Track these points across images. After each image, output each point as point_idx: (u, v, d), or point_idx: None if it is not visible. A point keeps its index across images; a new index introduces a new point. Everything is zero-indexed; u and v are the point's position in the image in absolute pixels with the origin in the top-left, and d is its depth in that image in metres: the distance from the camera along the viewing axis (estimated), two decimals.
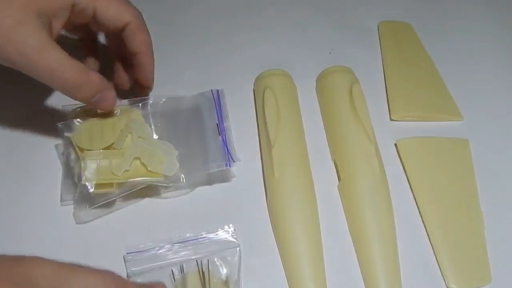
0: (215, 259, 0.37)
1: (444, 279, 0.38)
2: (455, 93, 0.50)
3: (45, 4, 0.34)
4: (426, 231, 0.41)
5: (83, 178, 0.38)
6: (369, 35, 0.55)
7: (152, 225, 0.40)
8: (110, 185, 0.39)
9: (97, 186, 0.38)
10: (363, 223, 0.40)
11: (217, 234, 0.39)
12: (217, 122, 0.44)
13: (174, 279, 0.36)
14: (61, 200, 0.41)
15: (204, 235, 0.39)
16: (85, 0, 0.36)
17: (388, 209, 0.41)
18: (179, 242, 0.38)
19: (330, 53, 0.53)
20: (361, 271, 0.39)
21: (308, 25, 0.56)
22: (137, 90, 0.45)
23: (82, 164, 0.38)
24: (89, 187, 0.38)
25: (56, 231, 0.40)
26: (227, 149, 0.42)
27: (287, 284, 0.38)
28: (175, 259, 0.37)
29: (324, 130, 0.47)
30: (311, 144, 0.45)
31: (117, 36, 0.40)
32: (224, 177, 0.43)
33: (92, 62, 0.45)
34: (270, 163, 0.42)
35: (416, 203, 0.42)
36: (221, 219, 0.40)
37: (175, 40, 0.54)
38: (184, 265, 0.37)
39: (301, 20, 0.57)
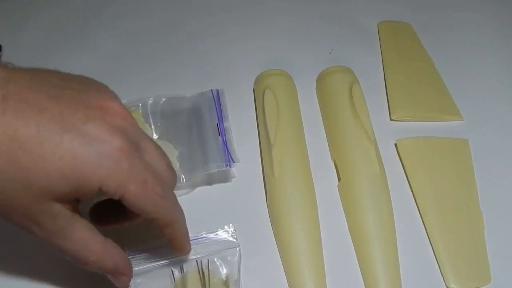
0: (215, 259, 0.37)
1: (443, 279, 0.38)
2: (455, 93, 0.50)
3: (65, 197, 0.28)
4: (426, 231, 0.41)
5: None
6: (369, 35, 0.55)
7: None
8: None
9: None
10: (363, 223, 0.40)
11: (217, 234, 0.39)
12: (217, 122, 0.44)
13: (174, 279, 0.36)
14: None
15: (204, 235, 0.39)
16: (112, 189, 0.28)
17: (388, 209, 0.41)
18: None
19: (330, 53, 0.54)
20: (361, 271, 0.39)
21: (308, 25, 0.56)
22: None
23: None
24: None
25: None
26: (227, 150, 0.42)
27: (287, 284, 0.38)
28: (175, 259, 0.37)
29: (324, 130, 0.47)
30: (311, 144, 0.45)
31: None
32: (224, 177, 0.43)
33: None
34: (270, 163, 0.42)
35: (416, 203, 0.42)
36: (221, 219, 0.40)
37: (175, 40, 0.54)
38: (184, 265, 0.37)
39: (301, 20, 0.57)
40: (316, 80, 0.50)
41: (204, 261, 0.37)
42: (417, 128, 0.47)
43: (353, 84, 0.46)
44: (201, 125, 0.44)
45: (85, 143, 0.27)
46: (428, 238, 0.40)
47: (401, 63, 0.52)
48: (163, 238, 0.33)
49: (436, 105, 0.49)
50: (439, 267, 0.39)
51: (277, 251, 0.39)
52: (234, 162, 0.41)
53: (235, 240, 0.38)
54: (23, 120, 0.25)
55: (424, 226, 0.41)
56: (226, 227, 0.39)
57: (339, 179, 0.43)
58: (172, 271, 0.36)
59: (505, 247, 0.40)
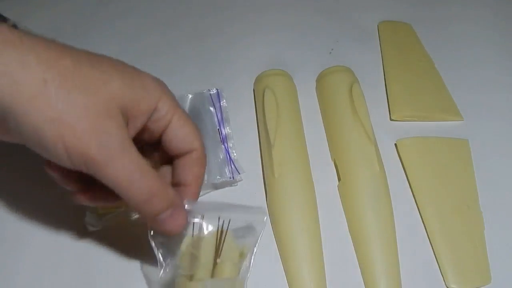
0: (239, 222, 0.35)
1: (444, 279, 0.38)
2: (455, 93, 0.50)
3: (130, 103, 0.30)
4: (426, 231, 0.41)
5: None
6: (369, 35, 0.55)
7: None
8: (118, 203, 0.39)
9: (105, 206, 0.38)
10: (363, 223, 0.40)
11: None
12: (218, 127, 0.44)
13: (193, 233, 0.34)
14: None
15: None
16: (167, 107, 0.32)
17: (388, 209, 0.41)
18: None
19: (330, 53, 0.54)
20: (361, 271, 0.39)
21: (308, 25, 0.56)
22: None
23: None
24: (96, 208, 0.38)
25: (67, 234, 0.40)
26: (232, 161, 0.42)
27: (287, 284, 0.38)
28: (198, 209, 0.34)
29: (324, 130, 0.47)
30: (311, 144, 0.45)
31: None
32: (226, 183, 0.43)
33: None
34: (270, 163, 0.42)
35: (416, 203, 0.42)
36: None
37: (174, 40, 0.54)
38: (205, 220, 0.34)
39: (301, 20, 0.57)
40: (316, 80, 0.50)
41: (227, 220, 0.34)
42: (417, 128, 0.47)
43: (353, 84, 0.46)
44: (201, 127, 0.44)
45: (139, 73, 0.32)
46: (428, 238, 0.40)
47: (401, 63, 0.52)
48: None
49: (436, 105, 0.49)
50: (439, 267, 0.39)
51: (277, 251, 0.39)
52: (239, 174, 0.42)
53: (264, 210, 0.36)
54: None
55: (424, 226, 0.41)
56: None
57: (339, 179, 0.43)
58: (193, 224, 0.34)
59: (505, 247, 0.40)
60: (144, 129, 0.32)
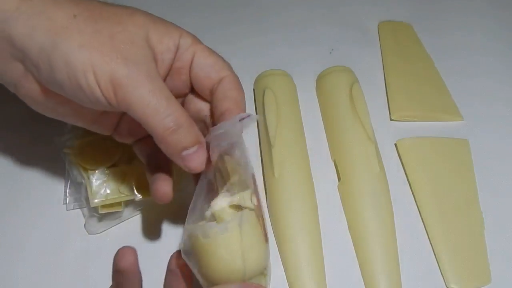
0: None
1: (444, 279, 0.38)
2: (455, 93, 0.50)
3: (154, 36, 0.31)
4: (426, 231, 0.41)
5: (90, 202, 0.37)
6: (369, 35, 0.55)
7: (163, 229, 0.40)
8: (118, 204, 0.39)
9: (105, 206, 0.38)
10: (363, 223, 0.40)
11: None
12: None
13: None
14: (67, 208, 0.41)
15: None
16: (189, 41, 0.33)
17: (388, 209, 0.41)
18: None
19: (330, 53, 0.53)
20: (361, 271, 0.39)
21: (308, 25, 0.56)
22: None
23: (88, 189, 0.38)
24: (96, 209, 0.38)
25: (66, 237, 0.40)
26: None
27: (287, 284, 0.38)
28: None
29: (324, 130, 0.47)
30: (311, 144, 0.45)
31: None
32: None
33: None
34: (270, 163, 0.42)
35: (416, 203, 0.42)
36: None
37: None
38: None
39: (301, 20, 0.57)
40: (316, 80, 0.50)
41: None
42: (417, 128, 0.47)
43: (353, 84, 0.46)
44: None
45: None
46: (428, 238, 0.40)
47: (401, 63, 0.52)
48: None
49: (436, 105, 0.49)
50: (439, 267, 0.39)
51: (277, 251, 0.39)
52: None
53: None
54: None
55: (424, 226, 0.41)
56: None
57: (339, 179, 0.43)
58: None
59: (505, 247, 0.40)
60: (173, 74, 0.33)
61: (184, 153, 0.30)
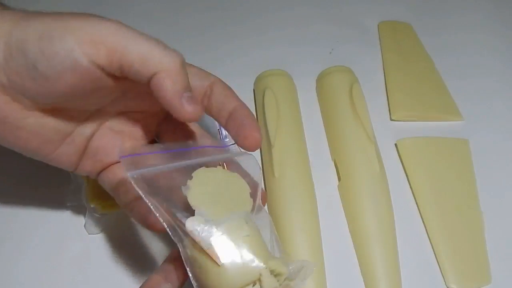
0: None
1: (444, 279, 0.38)
2: (455, 93, 0.50)
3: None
4: (426, 231, 0.41)
5: (90, 202, 0.38)
6: (369, 35, 0.55)
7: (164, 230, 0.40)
8: (118, 204, 0.39)
9: (105, 207, 0.38)
10: (363, 223, 0.40)
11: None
12: (218, 127, 0.44)
13: None
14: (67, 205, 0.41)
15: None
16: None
17: (388, 209, 0.41)
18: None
19: (330, 53, 0.54)
20: (361, 271, 0.39)
21: (308, 25, 0.56)
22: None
23: (88, 189, 0.38)
24: (96, 209, 0.38)
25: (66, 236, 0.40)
26: None
27: None
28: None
29: (324, 130, 0.47)
30: (311, 144, 0.45)
31: None
32: None
33: None
34: (270, 163, 0.42)
35: (416, 203, 0.42)
36: None
37: (174, 40, 0.54)
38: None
39: (301, 20, 0.57)
40: (316, 80, 0.50)
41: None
42: (417, 128, 0.47)
43: (353, 84, 0.46)
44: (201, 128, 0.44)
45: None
46: (428, 238, 0.40)
47: (401, 63, 0.52)
48: None
49: (436, 105, 0.49)
50: (439, 267, 0.39)
51: None
52: None
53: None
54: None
55: (424, 226, 0.41)
56: None
57: (339, 179, 0.43)
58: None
59: (505, 247, 0.40)
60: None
61: (183, 96, 0.27)
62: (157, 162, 0.28)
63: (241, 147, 0.30)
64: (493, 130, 0.48)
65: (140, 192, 0.26)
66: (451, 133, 0.47)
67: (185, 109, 0.27)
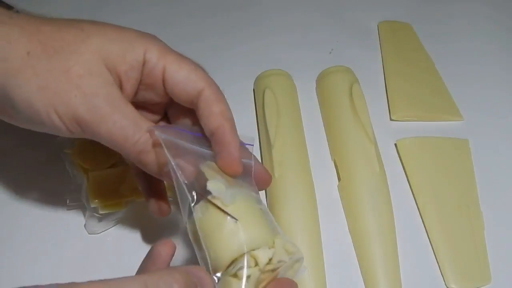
0: None
1: (444, 279, 0.38)
2: (455, 93, 0.50)
3: (114, 58, 0.29)
4: (426, 231, 0.41)
5: (90, 202, 0.38)
6: (369, 35, 0.55)
7: (163, 230, 0.40)
8: (119, 204, 0.39)
9: (106, 207, 0.38)
10: (363, 223, 0.40)
11: None
12: None
13: None
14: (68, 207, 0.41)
15: None
16: (155, 56, 0.31)
17: (388, 209, 0.41)
18: None
19: (330, 53, 0.54)
20: (361, 271, 0.39)
21: (308, 25, 0.56)
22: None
23: (88, 189, 0.38)
24: (96, 209, 0.38)
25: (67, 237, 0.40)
26: None
27: None
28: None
29: (324, 130, 0.47)
30: (311, 144, 0.45)
31: None
32: None
33: None
34: (270, 163, 0.42)
35: (416, 203, 0.42)
36: None
37: (174, 40, 0.54)
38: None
39: (301, 20, 0.57)
40: (316, 80, 0.50)
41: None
42: (417, 128, 0.47)
43: (353, 84, 0.46)
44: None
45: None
46: (428, 238, 0.40)
47: (401, 63, 0.52)
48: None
49: (436, 105, 0.49)
50: (439, 267, 0.39)
51: None
52: None
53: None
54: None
55: (424, 226, 0.41)
56: None
57: (339, 179, 0.43)
58: None
59: (505, 247, 0.40)
60: (146, 88, 0.32)
61: (165, 169, 0.29)
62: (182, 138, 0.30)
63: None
64: (493, 130, 0.48)
65: (166, 152, 0.28)
66: (451, 133, 0.47)
67: (168, 181, 0.31)
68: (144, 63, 0.31)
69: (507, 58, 0.54)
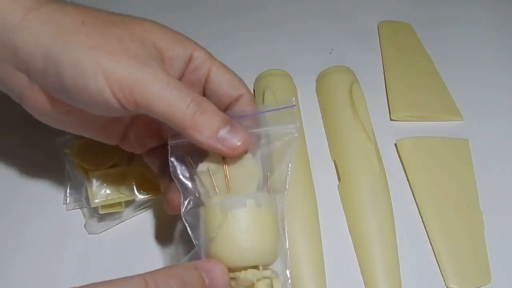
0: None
1: (444, 279, 0.38)
2: (455, 93, 0.50)
3: (164, 44, 0.30)
4: (426, 231, 0.41)
5: (90, 202, 0.38)
6: (369, 35, 0.55)
7: (163, 230, 0.40)
8: (119, 204, 0.39)
9: (105, 206, 0.38)
10: (363, 223, 0.40)
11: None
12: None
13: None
14: (67, 208, 0.41)
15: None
16: (203, 56, 0.32)
17: (388, 209, 0.41)
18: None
19: (330, 53, 0.54)
20: (361, 271, 0.39)
21: (308, 25, 0.56)
22: None
23: (88, 189, 0.38)
24: (96, 209, 0.38)
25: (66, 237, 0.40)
26: None
27: None
28: None
29: (324, 130, 0.47)
30: (311, 144, 0.45)
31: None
32: None
33: None
34: None
35: (416, 203, 0.42)
36: None
37: None
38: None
39: (301, 20, 0.57)
40: (316, 80, 0.50)
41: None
42: (417, 128, 0.47)
43: (353, 84, 0.46)
44: None
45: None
46: (428, 238, 0.40)
47: (401, 63, 0.52)
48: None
49: (436, 105, 0.49)
50: (439, 267, 0.39)
51: None
52: None
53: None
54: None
55: (424, 226, 0.41)
56: None
57: (339, 179, 0.43)
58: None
59: (505, 247, 0.40)
60: (184, 80, 0.32)
61: (220, 134, 0.28)
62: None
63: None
64: (493, 130, 0.48)
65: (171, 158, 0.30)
66: (451, 133, 0.47)
67: (227, 146, 0.29)
68: (191, 59, 0.32)
69: (507, 59, 0.54)
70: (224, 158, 0.30)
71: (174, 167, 0.31)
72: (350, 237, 0.40)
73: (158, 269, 0.25)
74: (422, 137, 0.46)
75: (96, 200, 0.38)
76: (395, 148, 0.46)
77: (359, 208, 0.40)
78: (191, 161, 0.31)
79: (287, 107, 0.31)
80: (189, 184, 0.31)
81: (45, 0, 0.29)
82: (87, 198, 0.38)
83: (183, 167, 0.31)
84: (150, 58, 0.29)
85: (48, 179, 0.43)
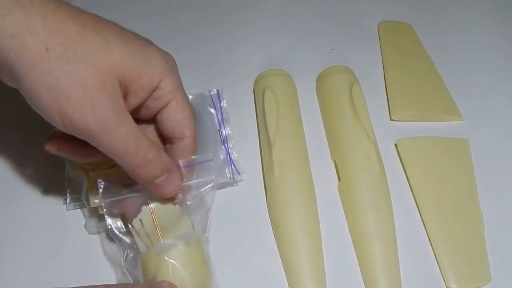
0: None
1: (444, 279, 0.38)
2: (455, 93, 0.50)
3: (131, 77, 0.31)
4: (426, 231, 0.41)
5: (90, 202, 0.38)
6: (369, 35, 0.55)
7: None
8: None
9: None
10: (363, 223, 0.40)
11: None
12: (219, 127, 0.44)
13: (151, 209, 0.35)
14: (67, 208, 0.41)
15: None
16: (169, 87, 0.33)
17: (388, 209, 0.41)
18: None
19: (330, 53, 0.53)
20: (361, 271, 0.39)
21: (308, 25, 0.56)
22: None
23: (88, 188, 0.38)
24: (96, 209, 0.38)
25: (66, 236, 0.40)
26: (232, 162, 0.43)
27: (287, 284, 0.38)
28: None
29: (324, 130, 0.47)
30: (311, 144, 0.45)
31: None
32: (225, 183, 0.43)
33: None
34: (270, 163, 0.42)
35: (416, 203, 0.42)
36: (220, 219, 0.40)
37: (174, 40, 0.54)
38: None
39: (301, 20, 0.57)
40: (316, 80, 0.50)
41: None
42: (417, 128, 0.47)
43: (353, 84, 0.46)
44: (201, 128, 0.44)
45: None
46: (428, 238, 0.40)
47: (401, 63, 0.52)
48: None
49: (436, 105, 0.49)
50: (439, 267, 0.39)
51: (277, 251, 0.40)
52: (239, 175, 0.42)
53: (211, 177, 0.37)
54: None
55: (424, 226, 0.41)
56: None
57: (339, 179, 0.43)
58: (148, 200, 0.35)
59: (505, 247, 0.40)
60: (142, 105, 0.33)
61: (156, 181, 0.33)
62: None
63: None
64: (493, 130, 0.48)
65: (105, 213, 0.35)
66: (451, 133, 0.47)
67: (158, 192, 0.33)
68: (156, 88, 0.32)
69: (508, 59, 0.54)
70: (153, 212, 0.34)
71: (111, 226, 0.35)
72: (350, 237, 0.40)
73: (119, 283, 0.29)
74: (422, 137, 0.46)
75: (96, 200, 0.38)
76: (395, 148, 0.46)
77: (359, 208, 0.40)
78: (126, 218, 0.35)
79: (206, 160, 0.36)
80: (126, 238, 0.35)
81: (13, 4, 0.28)
82: (87, 198, 0.38)
83: (119, 224, 0.35)
84: (109, 102, 0.29)
85: (48, 179, 0.43)
